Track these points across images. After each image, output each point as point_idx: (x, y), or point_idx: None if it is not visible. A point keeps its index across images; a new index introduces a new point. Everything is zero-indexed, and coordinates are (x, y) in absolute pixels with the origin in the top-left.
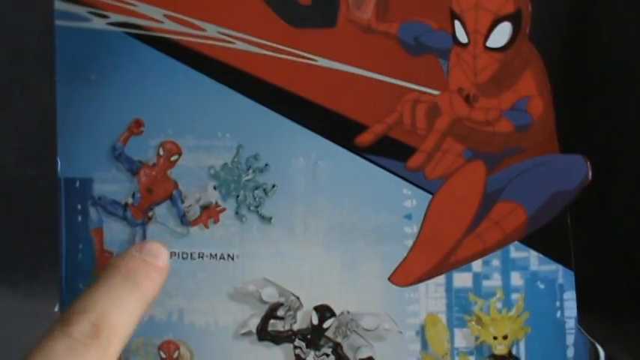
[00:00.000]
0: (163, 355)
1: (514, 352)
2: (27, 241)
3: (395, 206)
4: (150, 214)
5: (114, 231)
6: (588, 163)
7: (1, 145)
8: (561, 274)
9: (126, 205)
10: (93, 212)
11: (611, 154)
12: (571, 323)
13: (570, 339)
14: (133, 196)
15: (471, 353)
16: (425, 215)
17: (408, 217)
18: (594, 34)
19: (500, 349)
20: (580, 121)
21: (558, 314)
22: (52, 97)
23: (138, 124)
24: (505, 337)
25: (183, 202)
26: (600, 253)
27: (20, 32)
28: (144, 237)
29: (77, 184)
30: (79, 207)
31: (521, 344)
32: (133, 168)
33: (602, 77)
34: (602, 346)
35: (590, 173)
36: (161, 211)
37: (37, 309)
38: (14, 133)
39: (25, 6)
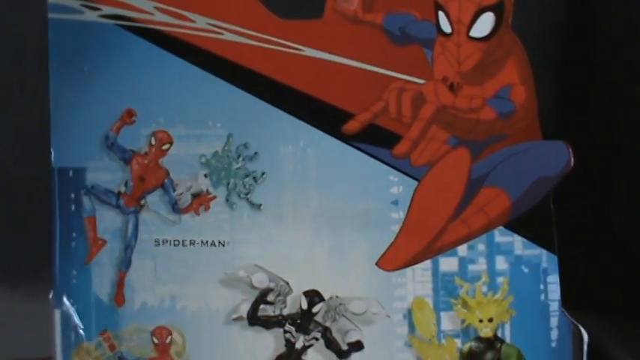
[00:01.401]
0: (156, 341)
1: (499, 334)
2: (26, 241)
3: (382, 192)
4: (142, 202)
5: (107, 219)
6: (570, 150)
7: (2, 145)
8: (545, 258)
9: (119, 194)
10: (86, 201)
11: (610, 143)
12: (555, 306)
13: (554, 321)
14: (126, 184)
15: (457, 336)
16: (411, 201)
17: (395, 203)
18: (576, 23)
19: (486, 331)
20: (562, 108)
21: (542, 297)
22: (46, 96)
23: (130, 113)
24: (490, 320)
25: (174, 190)
26: (596, 251)
27: (20, 32)
28: (136, 225)
29: (70, 174)
30: (73, 196)
31: (507, 327)
32: (126, 157)
33: (585, 65)
34: (587, 332)
35: (572, 159)
36: (153, 199)
37: (36, 309)
38: (14, 133)
39: (25, 6)
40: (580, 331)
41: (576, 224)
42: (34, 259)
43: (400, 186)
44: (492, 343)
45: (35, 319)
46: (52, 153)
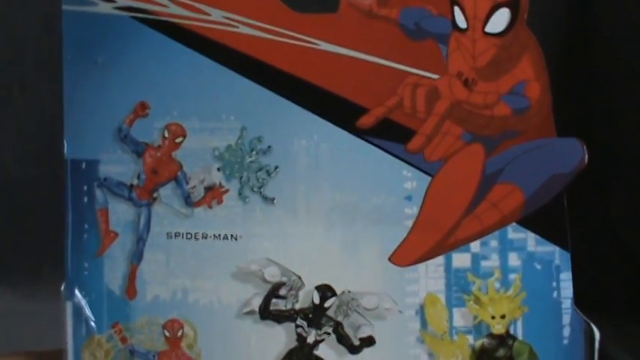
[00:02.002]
0: (167, 334)
1: (511, 331)
2: (27, 241)
3: (395, 187)
4: (155, 195)
5: (119, 212)
6: (584, 147)
7: (2, 145)
8: (558, 255)
9: (131, 187)
10: (99, 193)
11: (610, 143)
12: (567, 303)
13: (566, 319)
14: (139, 177)
15: (470, 332)
16: (424, 196)
17: (408, 198)
18: (591, 20)
19: (498, 328)
20: (577, 106)
21: (555, 294)
22: (57, 95)
23: (143, 106)
24: (503, 317)
25: (187, 183)
26: (600, 249)
27: (20, 32)
28: (149, 218)
29: (83, 166)
30: (85, 188)
31: (519, 323)
32: (139, 150)
33: (600, 63)
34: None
35: (586, 157)
36: (166, 192)
37: (37, 309)
38: (14, 133)
39: (25, 6)
40: (592, 330)
41: (579, 224)
42: (36, 259)
43: (414, 181)
44: (504, 339)
45: (45, 312)
46: (65, 145)
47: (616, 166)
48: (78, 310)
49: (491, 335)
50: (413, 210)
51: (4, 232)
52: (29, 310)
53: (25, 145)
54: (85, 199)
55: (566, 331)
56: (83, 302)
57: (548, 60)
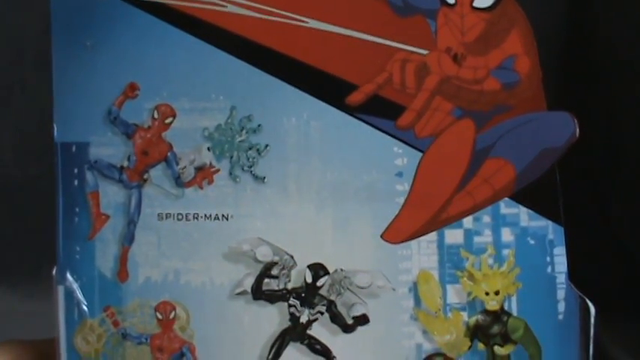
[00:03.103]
0: (160, 316)
1: (506, 307)
2: (27, 241)
3: (386, 164)
4: (145, 176)
5: (110, 194)
6: (575, 121)
7: (1, 145)
8: (551, 230)
9: (121, 168)
10: (89, 176)
11: (610, 143)
12: (561, 278)
13: (561, 294)
14: (129, 159)
15: (464, 309)
16: (416, 173)
17: (399, 174)
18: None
19: (493, 304)
20: (568, 81)
21: (549, 269)
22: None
23: (133, 87)
24: (497, 293)
25: (177, 163)
26: (600, 249)
27: (20, 32)
28: (139, 199)
29: (73, 149)
30: (76, 171)
31: (513, 299)
32: (129, 131)
33: (588, 36)
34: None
35: (577, 130)
36: (156, 173)
37: (37, 309)
38: (14, 133)
39: (25, 6)
40: (587, 305)
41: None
42: (35, 259)
43: (405, 158)
44: (499, 316)
45: (45, 312)
46: (55, 128)
47: (616, 166)
48: (69, 295)
49: (485, 312)
50: (404, 186)
51: (4, 232)
52: (29, 310)
53: (25, 145)
54: (76, 183)
55: (561, 307)
56: (75, 286)
57: (537, 34)
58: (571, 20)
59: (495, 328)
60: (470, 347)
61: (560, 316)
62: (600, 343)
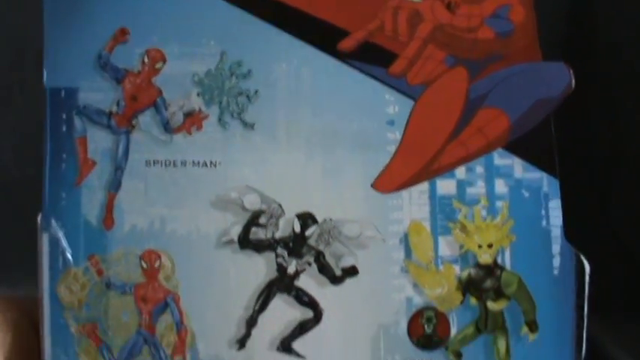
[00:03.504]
0: (144, 265)
1: (499, 260)
2: (27, 241)
3: (377, 112)
4: (134, 122)
5: (97, 140)
6: (571, 71)
7: (1, 145)
8: (546, 182)
9: (110, 114)
10: (77, 121)
11: (610, 143)
12: (556, 232)
13: (556, 248)
14: (118, 104)
15: (456, 262)
16: (407, 121)
17: (391, 123)
18: None
19: (485, 257)
20: (562, 30)
21: (543, 223)
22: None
23: (123, 32)
24: (490, 246)
25: (166, 109)
26: (600, 249)
27: (20, 32)
28: (127, 145)
29: (62, 94)
30: (64, 116)
31: (507, 253)
32: (118, 76)
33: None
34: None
35: (572, 81)
36: (145, 118)
37: (37, 308)
38: (14, 133)
39: (25, 6)
40: (582, 262)
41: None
42: (35, 259)
43: (396, 105)
44: (492, 270)
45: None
46: (44, 73)
47: (616, 166)
48: (54, 242)
49: (478, 265)
50: (395, 135)
51: (4, 232)
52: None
53: (25, 145)
54: (64, 128)
55: (556, 262)
56: (60, 234)
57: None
58: (571, 19)
59: (488, 283)
60: (462, 302)
61: (556, 272)
62: (598, 342)
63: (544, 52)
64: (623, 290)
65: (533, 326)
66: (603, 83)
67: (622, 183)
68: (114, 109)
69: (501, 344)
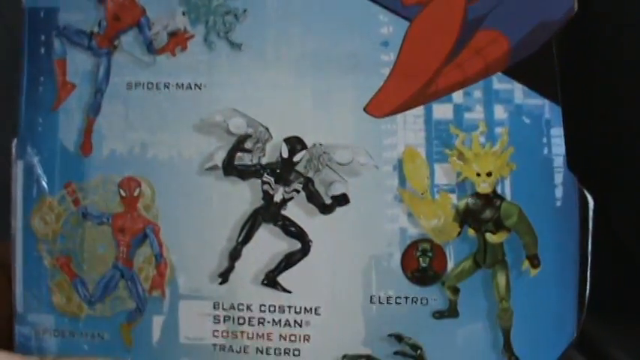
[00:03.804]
0: (123, 193)
1: (499, 190)
2: None
3: (371, 33)
4: (116, 42)
5: (77, 62)
6: None
7: (1, 145)
8: (548, 109)
9: (91, 34)
10: (57, 43)
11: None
12: (559, 161)
13: (558, 178)
14: (99, 24)
15: (453, 191)
16: (402, 42)
17: (385, 44)
18: None
19: (484, 186)
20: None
21: (545, 151)
22: None
23: None
24: (489, 174)
25: (150, 29)
26: (600, 249)
27: (20, 32)
28: (108, 67)
29: (41, 14)
30: (43, 38)
31: (507, 182)
32: None
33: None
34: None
35: (575, 4)
36: (127, 39)
37: None
38: (14, 132)
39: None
40: (585, 196)
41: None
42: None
43: (390, 26)
44: (491, 200)
45: None
46: None
47: (616, 166)
48: (29, 170)
49: (476, 195)
50: (390, 57)
51: (4, 232)
52: None
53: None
54: (42, 50)
55: (559, 192)
56: (35, 160)
57: None
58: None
59: (487, 213)
60: (459, 233)
61: (558, 203)
62: (598, 342)
63: None
64: (623, 290)
65: (534, 261)
66: (603, 82)
67: (622, 183)
68: (95, 29)
69: (501, 279)
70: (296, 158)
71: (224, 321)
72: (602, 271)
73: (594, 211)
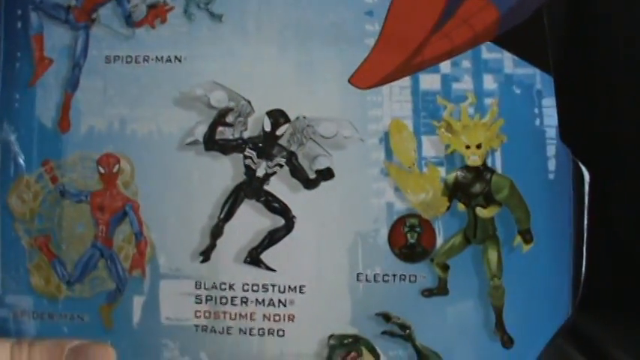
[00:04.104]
0: (102, 170)
1: (489, 163)
2: None
3: (355, 2)
4: (94, 16)
5: (55, 37)
6: None
7: None
8: (539, 79)
9: (68, 8)
10: (33, 17)
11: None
12: (551, 133)
13: (551, 150)
14: None
15: (441, 164)
16: (387, 12)
17: (369, 13)
18: None
19: (474, 159)
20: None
21: (537, 122)
22: None
23: None
24: (479, 147)
25: (129, 1)
26: (600, 249)
27: None
28: (86, 41)
29: None
30: (19, 12)
31: (497, 155)
32: None
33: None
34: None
35: None
36: (105, 12)
37: None
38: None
39: None
40: (580, 169)
41: None
42: None
43: None
44: (481, 172)
45: None
46: None
47: (616, 166)
48: (6, 148)
49: (465, 168)
50: (374, 27)
51: None
52: None
53: None
54: (19, 25)
55: (552, 164)
56: (12, 138)
57: None
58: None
59: (477, 187)
60: (448, 208)
61: (551, 176)
62: (598, 342)
63: None
64: (623, 290)
65: (527, 236)
66: (603, 82)
67: (622, 183)
68: (72, 2)
69: (492, 256)
70: (279, 132)
71: (206, 301)
72: (601, 270)
73: (590, 184)
